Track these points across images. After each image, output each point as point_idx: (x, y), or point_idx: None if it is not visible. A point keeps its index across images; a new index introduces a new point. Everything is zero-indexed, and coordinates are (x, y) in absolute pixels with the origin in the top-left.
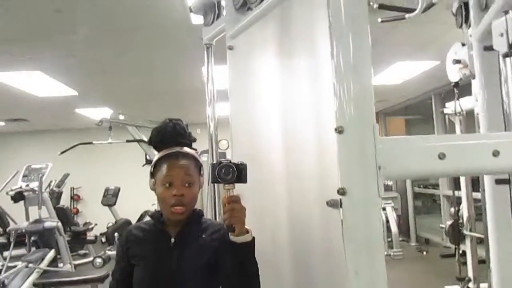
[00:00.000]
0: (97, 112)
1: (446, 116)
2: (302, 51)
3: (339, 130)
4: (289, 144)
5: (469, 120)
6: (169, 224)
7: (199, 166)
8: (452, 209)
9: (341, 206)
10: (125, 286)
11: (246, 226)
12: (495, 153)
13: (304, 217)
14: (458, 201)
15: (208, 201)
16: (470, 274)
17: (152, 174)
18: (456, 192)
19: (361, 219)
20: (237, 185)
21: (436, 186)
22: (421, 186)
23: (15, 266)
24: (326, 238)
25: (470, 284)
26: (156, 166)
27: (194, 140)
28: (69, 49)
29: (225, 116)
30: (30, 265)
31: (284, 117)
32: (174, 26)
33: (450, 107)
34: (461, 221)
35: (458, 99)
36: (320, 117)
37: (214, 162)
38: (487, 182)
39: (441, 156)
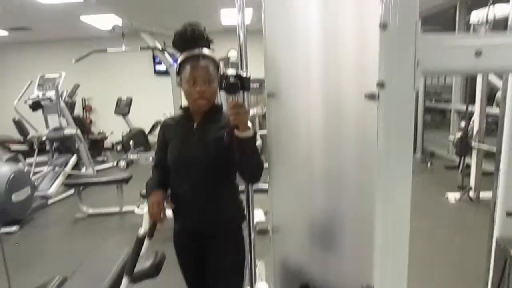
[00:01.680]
0: (103, 19)
1: (472, 27)
2: None
3: (383, 26)
4: (329, 39)
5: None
6: (194, 114)
7: (217, 66)
8: (463, 123)
9: (378, 98)
10: (164, 159)
11: (248, 125)
12: None
13: (340, 109)
14: (469, 116)
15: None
16: (472, 183)
17: (178, 73)
18: (470, 107)
19: (396, 110)
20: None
21: (448, 101)
22: (433, 100)
23: (39, 172)
24: (360, 129)
25: (471, 193)
26: (181, 66)
27: (211, 41)
28: None
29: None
30: (56, 168)
31: (325, 10)
32: None
33: (477, 15)
34: (470, 134)
35: (491, 4)
36: (363, 12)
37: (222, 73)
38: (510, 92)
39: (478, 54)
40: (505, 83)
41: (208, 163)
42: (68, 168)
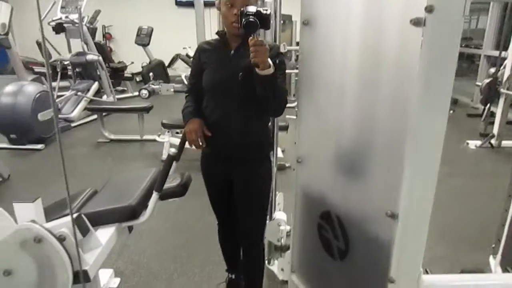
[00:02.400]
0: None
1: None
2: None
3: None
4: None
5: None
6: (231, 40)
7: None
8: (493, 69)
9: (424, 24)
10: (198, 84)
11: (269, 62)
12: None
13: (382, 37)
14: (500, 62)
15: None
16: (495, 131)
17: None
18: (503, 53)
19: (442, 37)
20: None
21: (479, 46)
22: (463, 45)
23: (62, 96)
24: (401, 57)
25: (492, 140)
26: None
27: None
28: None
29: None
30: (79, 93)
31: None
32: None
33: None
34: (499, 80)
35: None
36: None
37: (243, 9)
38: None
39: None
40: None
41: (244, 88)
42: (90, 94)
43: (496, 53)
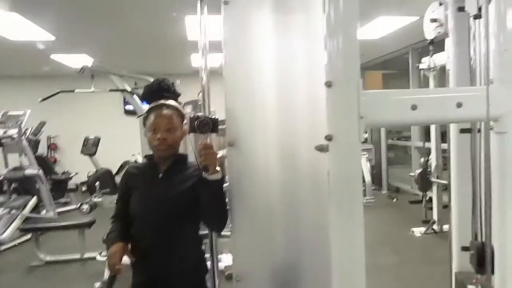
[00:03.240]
0: (75, 59)
1: (421, 71)
2: (297, 6)
3: (328, 85)
4: (283, 96)
5: (442, 75)
6: (159, 163)
7: (181, 115)
8: (422, 159)
9: (327, 150)
10: (125, 209)
11: (217, 168)
12: (459, 105)
13: (295, 159)
14: (427, 152)
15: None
16: (435, 217)
17: (144, 123)
18: (426, 144)
19: (344, 160)
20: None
21: (408, 138)
22: (394, 138)
23: None
24: (314, 179)
25: (434, 226)
26: (147, 116)
27: (179, 95)
28: None
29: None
30: (13, 211)
31: (278, 70)
32: None
33: (425, 62)
34: (429, 169)
35: (432, 56)
36: (312, 72)
37: (193, 115)
38: (453, 131)
39: (414, 107)
40: (448, 126)
41: (173, 215)
42: (26, 211)
43: (422, 144)
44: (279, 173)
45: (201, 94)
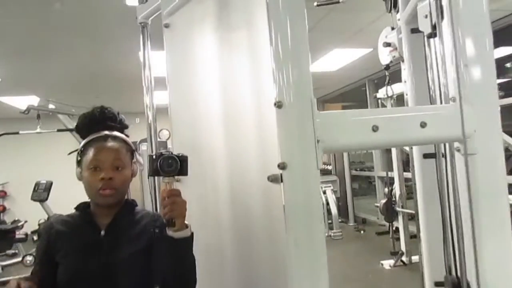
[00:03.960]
0: (24, 100)
1: (379, 101)
2: (242, 27)
3: (278, 105)
4: (230, 126)
5: (400, 104)
6: (98, 215)
7: (131, 150)
8: (386, 189)
9: (282, 181)
10: (49, 280)
11: (185, 222)
12: (423, 125)
13: (246, 195)
14: (391, 182)
15: (148, 194)
16: (403, 248)
17: (79, 162)
18: (390, 173)
19: (301, 191)
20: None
21: (371, 168)
22: (358, 169)
23: None
24: (267, 214)
25: (403, 257)
26: (83, 151)
27: (126, 126)
28: None
29: (165, 105)
30: None
31: (224, 97)
32: (107, 5)
33: (382, 92)
34: (394, 199)
35: (389, 82)
36: (260, 94)
37: (154, 153)
38: (416, 157)
39: (375, 129)
40: (411, 151)
41: (124, 285)
42: None
43: (384, 173)
44: (230, 211)
45: (163, 131)
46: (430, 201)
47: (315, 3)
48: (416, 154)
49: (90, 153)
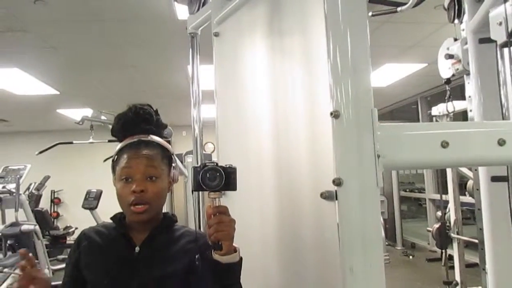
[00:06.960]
0: (79, 113)
1: (434, 119)
2: (295, 33)
3: (335, 115)
4: (281, 138)
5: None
6: (134, 229)
7: (168, 156)
8: (439, 213)
9: (336, 198)
10: None
11: (234, 244)
12: (501, 142)
13: (296, 213)
14: (444, 205)
15: (193, 211)
16: (457, 278)
17: (114, 169)
18: (443, 196)
19: (358, 211)
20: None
21: (422, 190)
22: (407, 190)
23: None
24: (319, 234)
25: None
26: (117, 159)
27: (165, 126)
28: (48, 43)
29: (212, 119)
30: (6, 269)
31: (275, 107)
32: (159, 20)
33: (438, 109)
34: (448, 224)
35: (450, 97)
36: (315, 104)
37: (198, 165)
38: (483, 179)
39: (444, 145)
40: (476, 173)
41: None
42: (19, 270)
43: (438, 196)
44: (277, 232)
45: (208, 144)
46: (500, 229)
47: (370, 13)
48: (483, 176)
49: (122, 161)
